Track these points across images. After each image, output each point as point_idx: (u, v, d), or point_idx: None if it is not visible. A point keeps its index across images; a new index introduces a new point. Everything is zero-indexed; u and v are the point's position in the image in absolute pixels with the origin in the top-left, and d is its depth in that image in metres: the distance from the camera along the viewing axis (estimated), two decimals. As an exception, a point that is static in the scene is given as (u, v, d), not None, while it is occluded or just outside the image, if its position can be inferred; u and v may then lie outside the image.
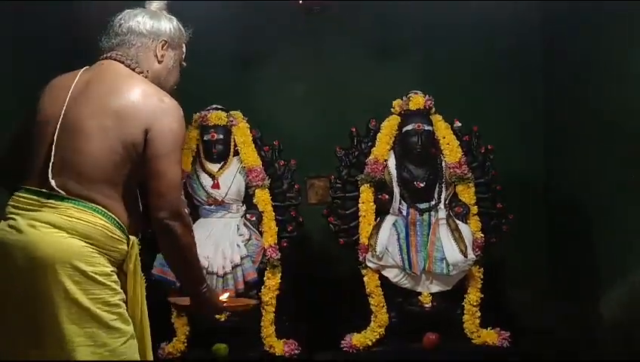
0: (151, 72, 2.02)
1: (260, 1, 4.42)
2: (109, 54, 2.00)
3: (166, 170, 1.85)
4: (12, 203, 1.87)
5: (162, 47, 2.04)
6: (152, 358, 2.03)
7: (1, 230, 1.84)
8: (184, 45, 2.14)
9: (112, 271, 1.86)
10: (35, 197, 1.83)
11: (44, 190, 1.82)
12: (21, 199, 1.85)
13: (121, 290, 1.89)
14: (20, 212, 1.83)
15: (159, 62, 2.04)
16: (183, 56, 2.15)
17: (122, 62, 1.97)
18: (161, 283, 3.47)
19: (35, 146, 1.89)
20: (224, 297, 2.25)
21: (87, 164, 1.82)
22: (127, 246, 1.91)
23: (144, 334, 1.99)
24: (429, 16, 4.46)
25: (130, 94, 1.88)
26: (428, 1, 4.39)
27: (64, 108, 1.88)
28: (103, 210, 1.83)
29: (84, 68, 2.00)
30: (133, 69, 1.98)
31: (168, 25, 2.06)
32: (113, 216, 1.85)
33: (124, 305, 1.88)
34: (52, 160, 1.83)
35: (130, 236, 1.92)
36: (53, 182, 1.80)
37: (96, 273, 1.80)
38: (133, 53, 2.00)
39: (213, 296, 2.12)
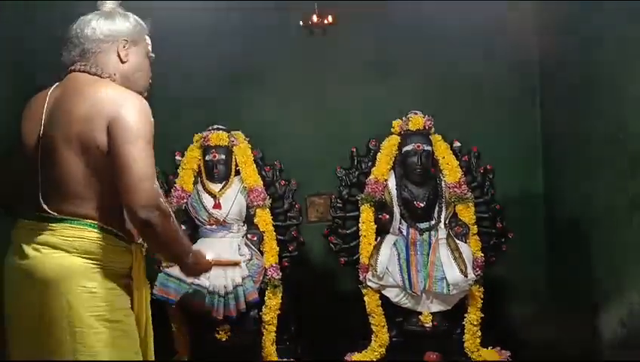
0: (118, 74, 1.96)
1: (261, 22, 4.47)
2: (73, 67, 1.95)
3: (132, 162, 1.75)
4: (16, 229, 1.91)
5: (124, 47, 1.98)
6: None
7: (10, 256, 1.89)
8: (147, 37, 2.07)
9: (116, 286, 1.88)
10: (33, 221, 1.86)
11: (40, 213, 1.84)
12: (22, 225, 1.89)
13: (127, 306, 1.91)
14: (23, 237, 1.86)
15: (124, 62, 1.98)
16: (149, 48, 2.08)
17: (87, 72, 1.93)
18: (162, 303, 3.48)
19: (25, 170, 1.91)
20: (210, 257, 2.19)
21: (71, 182, 1.83)
22: (132, 253, 1.93)
23: (147, 339, 2.01)
24: (428, 36, 4.51)
25: (91, 99, 1.83)
26: (427, 21, 4.45)
27: (41, 130, 1.88)
28: (98, 223, 1.84)
29: (55, 85, 1.97)
30: (100, 75, 1.93)
31: (124, 23, 2.00)
32: (109, 227, 1.86)
33: (128, 319, 1.90)
34: (40, 183, 1.85)
35: (132, 243, 1.93)
36: (45, 206, 1.83)
37: (99, 288, 1.82)
38: (95, 60, 1.94)
39: (200, 258, 2.05)
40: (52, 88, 1.96)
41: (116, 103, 1.82)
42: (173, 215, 1.86)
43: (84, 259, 1.81)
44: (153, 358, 2.04)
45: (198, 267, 2.05)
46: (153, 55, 2.09)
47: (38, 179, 1.85)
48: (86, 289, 1.80)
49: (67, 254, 1.81)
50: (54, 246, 1.81)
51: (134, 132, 1.79)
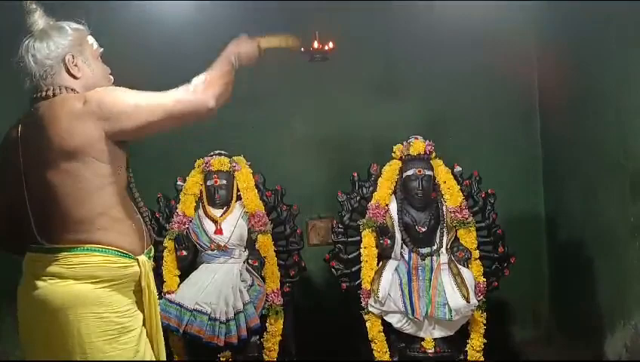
0: (78, 89, 1.92)
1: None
2: (35, 96, 1.92)
3: (162, 111, 1.83)
4: (24, 261, 1.92)
5: (72, 62, 1.93)
6: None
7: (21, 285, 1.91)
8: (89, 38, 2.01)
9: (129, 306, 1.90)
10: (36, 254, 1.88)
11: (41, 246, 1.86)
12: (29, 257, 1.91)
13: (140, 325, 1.92)
14: (30, 269, 1.88)
15: (78, 77, 1.94)
16: (96, 47, 2.02)
17: (47, 98, 1.89)
18: (163, 329, 3.46)
19: (17, 206, 1.90)
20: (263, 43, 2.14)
21: (65, 209, 1.83)
22: (139, 267, 1.93)
23: (159, 350, 2.02)
24: (428, 60, 4.55)
25: (66, 118, 1.81)
26: (427, 46, 4.49)
27: (21, 165, 1.87)
28: (98, 246, 1.85)
29: (22, 118, 1.94)
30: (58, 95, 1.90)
31: (63, 38, 1.93)
32: (110, 247, 1.86)
33: (141, 339, 1.91)
34: (32, 217, 1.86)
35: (137, 257, 1.93)
36: (40, 239, 1.84)
37: (110, 312, 1.84)
38: (50, 83, 1.90)
39: (249, 50, 2.08)
40: (21, 122, 1.94)
41: (89, 107, 1.81)
42: (208, 78, 1.90)
43: (92, 284, 1.83)
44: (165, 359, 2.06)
45: (248, 60, 2.09)
46: (102, 49, 2.05)
47: (30, 214, 1.87)
48: (96, 315, 1.82)
49: (75, 282, 1.82)
50: (61, 276, 1.82)
51: (131, 105, 1.83)
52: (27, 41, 1.92)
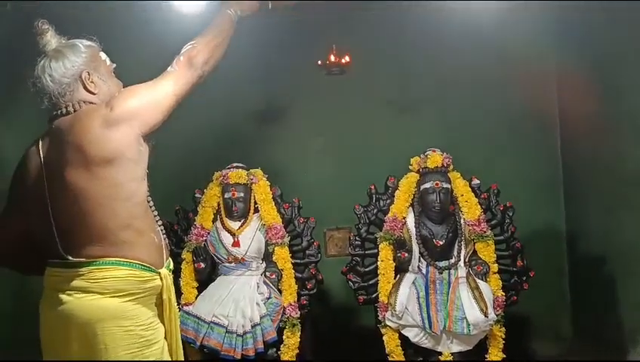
0: (97, 102, 1.95)
1: (280, 60, 4.53)
2: (54, 114, 1.94)
3: (169, 102, 1.93)
4: (46, 276, 1.93)
5: (88, 79, 1.96)
6: None
7: (43, 302, 1.93)
8: (102, 54, 2.04)
9: (153, 319, 1.91)
10: (60, 269, 1.88)
11: (65, 261, 1.87)
12: (51, 272, 1.91)
13: (162, 337, 1.93)
14: (54, 284, 1.89)
15: (95, 93, 1.96)
16: (108, 62, 2.06)
17: (68, 113, 1.92)
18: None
19: (40, 224, 1.91)
20: None
21: (90, 223, 1.84)
22: (161, 280, 1.95)
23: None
24: (446, 73, 4.54)
25: (95, 127, 1.84)
26: (445, 59, 4.49)
27: (45, 182, 1.88)
28: (123, 260, 1.86)
29: (41, 138, 1.96)
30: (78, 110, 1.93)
31: (77, 56, 1.96)
32: (133, 261, 1.87)
33: (164, 351, 1.92)
34: (56, 232, 1.87)
35: (159, 270, 1.95)
36: (65, 254, 1.85)
37: (135, 326, 1.85)
38: (69, 100, 1.93)
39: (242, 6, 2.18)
40: (41, 141, 1.96)
41: (119, 112, 1.86)
42: (197, 46, 2.03)
43: (118, 298, 1.85)
44: None
45: (250, 8, 2.21)
46: (114, 65, 2.09)
47: (53, 229, 1.87)
48: (122, 329, 1.84)
49: (100, 296, 1.84)
50: (86, 291, 1.84)
51: (152, 100, 1.92)
52: (42, 62, 1.95)
